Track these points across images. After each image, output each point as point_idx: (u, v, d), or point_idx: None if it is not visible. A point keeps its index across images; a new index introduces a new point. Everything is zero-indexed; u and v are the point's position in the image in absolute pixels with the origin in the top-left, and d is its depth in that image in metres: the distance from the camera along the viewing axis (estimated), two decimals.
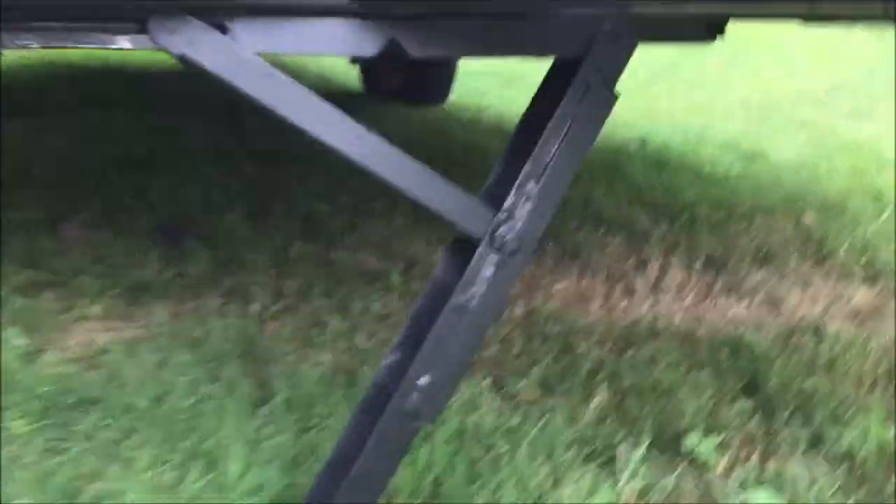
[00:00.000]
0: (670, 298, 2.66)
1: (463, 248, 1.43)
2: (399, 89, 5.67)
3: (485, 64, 7.04)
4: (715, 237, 3.29)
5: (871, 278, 2.95)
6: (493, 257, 1.38)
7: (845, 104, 6.17)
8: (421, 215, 3.47)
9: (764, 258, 3.07)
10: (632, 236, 3.26)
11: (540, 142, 1.37)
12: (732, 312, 2.60)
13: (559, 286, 2.75)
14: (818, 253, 3.16)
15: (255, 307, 2.55)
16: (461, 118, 5.54)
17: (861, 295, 2.76)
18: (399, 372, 1.44)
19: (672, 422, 1.96)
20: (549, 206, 1.39)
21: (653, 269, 2.89)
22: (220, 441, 1.83)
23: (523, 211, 1.38)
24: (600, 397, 2.05)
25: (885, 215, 3.61)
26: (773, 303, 2.72)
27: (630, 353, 2.29)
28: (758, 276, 2.89)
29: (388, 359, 1.47)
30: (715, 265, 3.01)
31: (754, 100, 6.39)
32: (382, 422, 1.41)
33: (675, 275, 2.87)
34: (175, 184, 3.61)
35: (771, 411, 2.05)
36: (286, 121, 1.21)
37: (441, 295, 1.44)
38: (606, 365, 2.21)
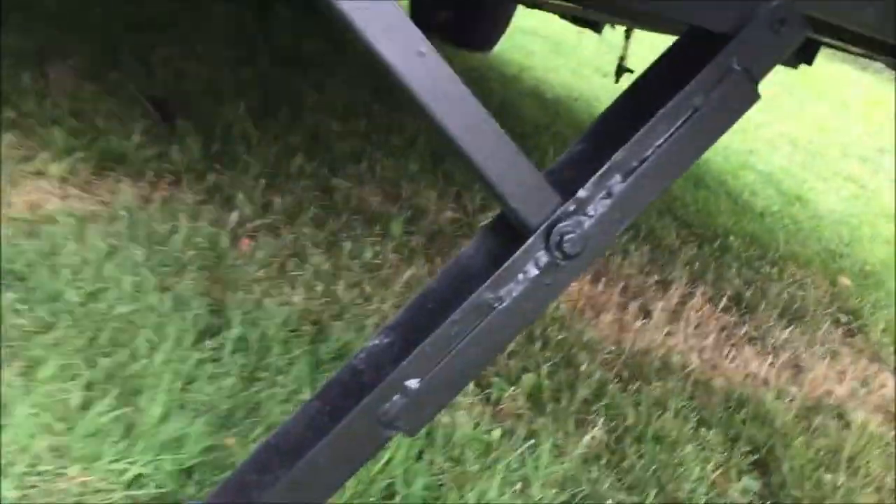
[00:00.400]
0: (689, 333, 2.36)
1: (507, 232, 1.10)
2: (447, 26, 5.27)
3: (538, 23, 6.67)
4: (744, 276, 2.98)
5: None
6: (544, 256, 1.06)
7: (892, 170, 5.86)
8: (439, 163, 3.18)
9: (794, 315, 2.77)
10: (657, 250, 2.95)
11: (644, 128, 1.04)
12: (754, 368, 2.31)
13: (571, 287, 2.44)
14: (850, 325, 2.87)
15: (233, 216, 2.22)
16: (502, 72, 5.18)
17: (892, 385, 2.47)
18: (384, 362, 1.12)
19: (669, 485, 1.67)
20: (632, 209, 1.06)
21: (675, 293, 2.59)
22: (147, 368, 1.52)
23: (598, 208, 1.06)
24: (595, 432, 1.75)
25: None
26: (798, 368, 2.43)
27: (636, 385, 1.99)
28: (785, 333, 2.59)
29: (375, 341, 1.15)
30: (741, 307, 2.72)
31: (802, 139, 6.06)
32: (349, 419, 1.10)
33: (698, 306, 2.57)
34: (182, 56, 3.24)
35: (779, 499, 1.77)
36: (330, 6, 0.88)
37: (464, 282, 1.12)
38: (608, 393, 1.91)
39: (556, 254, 1.06)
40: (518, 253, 1.06)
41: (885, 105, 7.87)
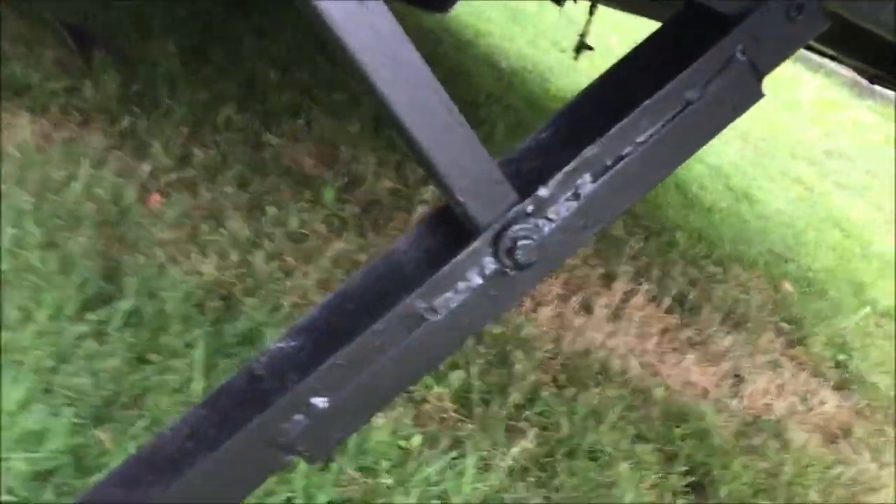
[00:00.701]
0: (632, 335, 2.22)
1: (451, 229, 0.92)
2: None
3: None
4: (689, 275, 2.86)
5: (843, 385, 2.58)
6: (491, 263, 0.88)
7: (841, 173, 5.84)
8: (383, 127, 2.96)
9: (737, 320, 2.66)
10: (603, 240, 2.80)
11: (624, 121, 0.86)
12: (695, 377, 2.18)
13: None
14: (792, 335, 2.77)
15: (145, 167, 1.98)
16: (457, 37, 4.95)
17: (832, 403, 2.38)
18: (289, 370, 0.93)
19: None
20: (601, 216, 0.89)
21: (618, 289, 2.44)
22: (16, 338, 1.29)
23: (561, 211, 0.88)
24: (525, 443, 1.59)
25: (862, 312, 3.25)
26: (739, 379, 2.32)
27: (572, 392, 1.84)
28: (727, 339, 2.48)
29: (280, 343, 0.96)
30: (684, 308, 2.59)
31: (753, 135, 5.99)
32: (240, 437, 0.91)
33: (642, 305, 2.43)
34: None
35: None
36: None
37: (393, 283, 0.93)
38: (542, 399, 1.76)
39: (506, 262, 0.88)
40: (460, 256, 0.87)
41: (835, 107, 7.87)
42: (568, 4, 4.15)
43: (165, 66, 2.54)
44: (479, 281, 0.89)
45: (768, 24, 0.86)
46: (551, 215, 0.88)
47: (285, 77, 2.91)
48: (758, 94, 0.88)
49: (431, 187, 2.55)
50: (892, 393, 2.62)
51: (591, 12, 3.74)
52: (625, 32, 7.29)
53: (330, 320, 0.96)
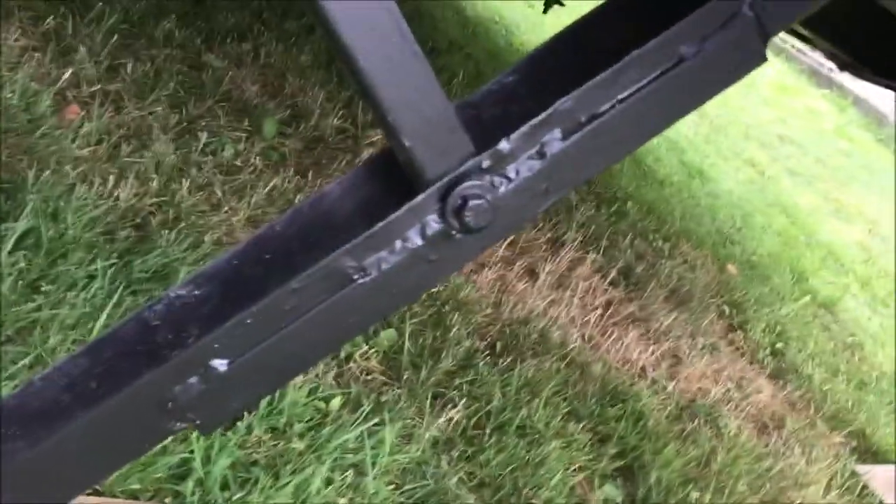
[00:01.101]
0: (574, 305, 2.13)
1: (392, 178, 0.79)
2: None
3: None
4: (637, 248, 2.78)
5: (778, 374, 2.54)
6: (435, 222, 0.75)
7: (792, 159, 5.85)
8: (336, 65, 2.79)
9: (680, 299, 2.60)
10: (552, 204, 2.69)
11: (606, 73, 0.74)
12: (634, 355, 2.10)
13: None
14: (733, 319, 2.72)
15: (68, 74, 1.79)
16: None
17: (766, 392, 2.34)
18: (189, 323, 0.80)
19: (526, 489, 1.43)
20: (566, 180, 0.76)
21: (565, 256, 2.34)
22: None
23: (522, 170, 0.75)
24: (454, 413, 1.49)
25: (802, 301, 3.23)
26: (677, 360, 2.25)
27: (508, 360, 1.74)
28: (669, 318, 2.41)
29: (181, 290, 0.82)
30: (629, 282, 2.51)
31: (709, 111, 5.94)
32: (124, 396, 0.77)
33: (587, 275, 2.34)
34: None
35: None
36: None
37: (320, 234, 0.80)
38: (476, 367, 1.65)
39: (453, 222, 0.75)
40: (400, 211, 0.74)
41: (791, 92, 7.88)
42: None
43: None
44: (419, 241, 0.76)
45: None
46: (510, 173, 0.75)
47: None
48: (761, 58, 0.76)
49: (381, 130, 2.40)
50: (826, 387, 2.59)
51: None
52: None
53: (242, 270, 0.82)
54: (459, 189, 0.74)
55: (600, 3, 0.83)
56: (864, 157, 6.76)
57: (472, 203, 0.74)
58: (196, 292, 0.82)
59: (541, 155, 0.75)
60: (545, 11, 3.78)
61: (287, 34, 2.70)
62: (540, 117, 0.74)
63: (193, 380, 0.77)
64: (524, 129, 0.74)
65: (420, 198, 0.74)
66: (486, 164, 0.74)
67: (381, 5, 0.67)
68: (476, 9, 4.85)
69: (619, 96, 0.75)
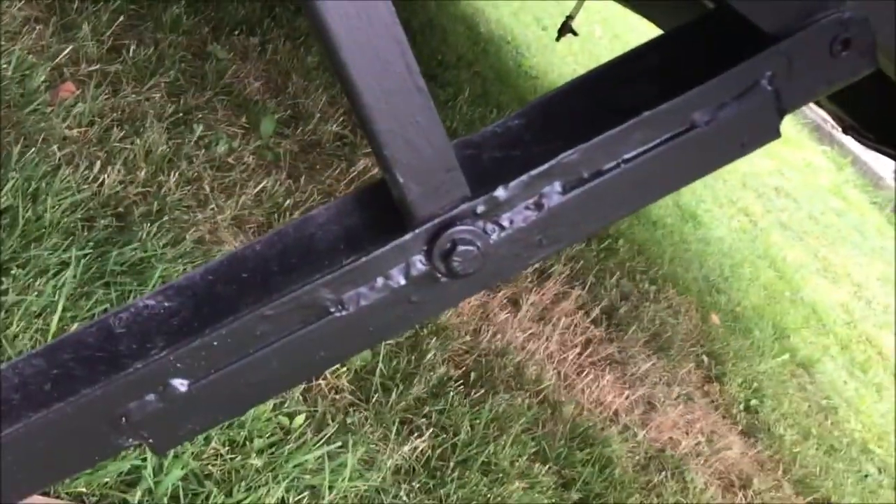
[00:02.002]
0: (554, 341, 2.10)
1: (381, 211, 0.76)
2: None
3: None
4: (623, 288, 2.76)
5: (750, 431, 2.52)
6: (421, 263, 0.72)
7: (784, 212, 5.86)
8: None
9: (660, 345, 2.57)
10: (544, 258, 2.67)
11: (614, 130, 0.71)
12: (608, 398, 2.08)
13: None
14: (711, 370, 2.70)
15: (68, 51, 1.76)
16: None
17: (736, 449, 2.31)
18: (154, 335, 0.77)
19: None
20: (562, 235, 0.74)
21: (550, 289, 2.32)
22: None
23: (516, 219, 0.72)
24: (419, 442, 1.46)
25: (780, 359, 3.22)
26: (651, 407, 2.23)
27: (481, 391, 1.71)
28: (647, 364, 2.39)
29: (150, 300, 0.79)
30: (611, 322, 2.49)
31: None
32: (77, 402, 0.74)
33: (570, 310, 2.31)
34: None
35: None
36: None
37: (300, 259, 0.77)
38: (447, 396, 1.62)
39: (439, 265, 0.72)
40: (386, 248, 0.71)
41: (792, 145, 7.90)
42: None
43: None
44: (401, 281, 0.73)
45: (807, 52, 0.72)
46: (504, 222, 0.73)
47: None
48: (774, 133, 0.74)
49: None
50: (797, 449, 2.57)
51: None
52: (610, 26, 7.16)
53: (216, 287, 0.79)
54: (450, 232, 0.71)
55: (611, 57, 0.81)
56: (857, 217, 6.79)
57: (461, 248, 0.71)
58: (166, 304, 0.79)
59: (538, 206, 0.73)
60: (557, 39, 3.77)
61: (297, 32, 2.67)
62: (541, 168, 0.71)
63: (151, 397, 0.74)
64: (524, 177, 0.71)
65: (408, 236, 0.71)
66: (480, 209, 0.71)
67: (390, 35, 0.64)
68: (489, 26, 4.84)
69: (626, 156, 0.72)
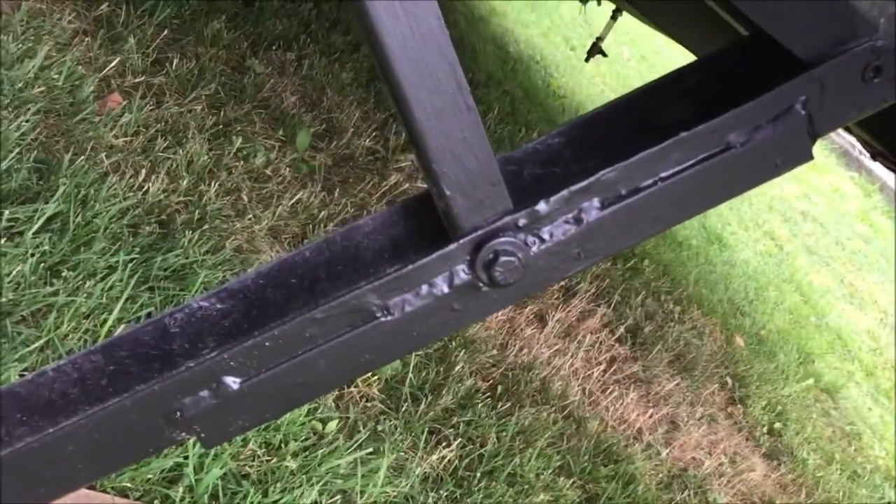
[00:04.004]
0: (579, 358, 2.12)
1: (426, 222, 0.79)
2: None
3: None
4: (648, 307, 2.77)
5: (773, 454, 2.52)
6: (464, 273, 0.75)
7: (811, 237, 5.83)
8: (376, 80, 2.81)
9: (685, 366, 2.58)
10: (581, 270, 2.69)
11: (652, 149, 0.74)
12: (632, 416, 2.09)
13: None
14: (735, 392, 2.71)
15: (113, 61, 1.82)
16: (471, 10, 4.79)
17: (759, 471, 2.32)
18: (207, 335, 0.81)
19: None
20: (599, 248, 0.77)
21: (576, 306, 2.34)
22: None
23: (556, 233, 0.76)
24: (447, 451, 1.49)
25: (805, 384, 3.21)
26: (674, 426, 2.24)
27: (507, 404, 1.73)
28: (671, 383, 2.40)
29: (203, 301, 0.83)
30: (636, 341, 2.50)
31: None
32: (132, 397, 0.78)
33: (595, 328, 2.34)
34: None
35: None
36: None
37: (347, 266, 0.81)
38: (475, 408, 1.65)
39: (481, 275, 0.75)
40: (431, 257, 0.75)
41: (820, 170, 7.88)
42: (590, 4, 4.02)
43: None
44: (445, 289, 0.76)
45: (840, 79, 0.75)
46: (544, 234, 0.76)
47: (287, 4, 2.74)
48: (807, 156, 0.77)
49: (412, 156, 2.42)
50: (819, 473, 2.57)
51: (615, 18, 3.62)
52: (638, 48, 7.19)
53: (266, 291, 0.83)
54: (493, 243, 0.74)
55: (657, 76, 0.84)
56: (884, 244, 6.74)
57: (502, 259, 0.74)
58: (218, 306, 0.83)
59: (577, 220, 0.76)
60: (587, 60, 3.81)
61: (332, 48, 2.73)
62: (581, 184, 0.75)
63: (204, 393, 0.78)
64: (564, 192, 0.75)
65: (452, 246, 0.74)
66: (521, 222, 0.75)
67: (443, 57, 0.68)
68: (518, 46, 4.89)
69: (663, 174, 0.75)
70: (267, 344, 0.76)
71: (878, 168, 7.73)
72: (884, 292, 5.44)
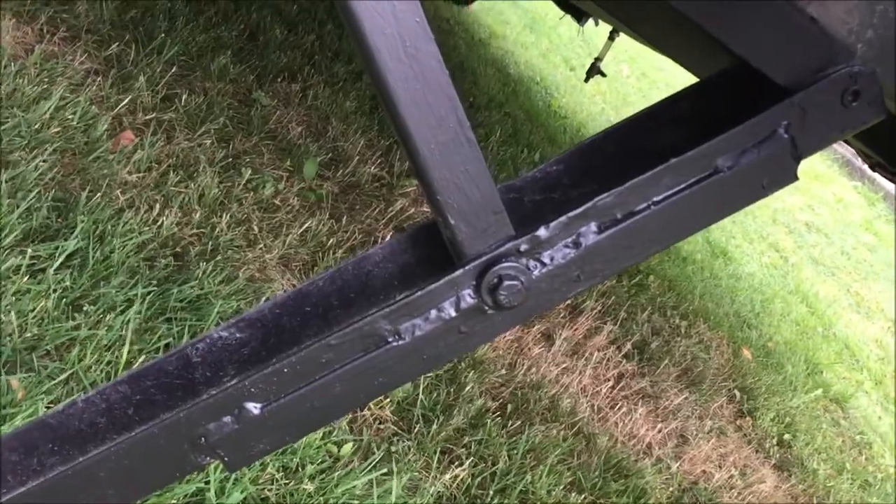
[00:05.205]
0: (587, 375, 2.15)
1: (432, 249, 0.84)
2: None
3: None
4: (654, 323, 2.80)
5: (783, 465, 2.54)
6: (470, 297, 0.80)
7: (815, 248, 5.86)
8: (379, 109, 2.87)
9: (692, 380, 2.61)
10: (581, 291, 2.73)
11: (645, 175, 0.79)
12: (641, 431, 2.12)
13: None
14: (743, 405, 2.73)
15: (126, 101, 1.87)
16: (470, 34, 4.86)
17: (769, 483, 2.34)
18: (227, 364, 0.85)
19: None
20: (598, 271, 0.81)
21: (582, 324, 2.38)
22: None
23: (556, 257, 0.80)
24: (460, 470, 1.52)
25: (813, 395, 3.23)
26: (683, 440, 2.27)
27: (517, 423, 1.76)
28: (679, 398, 2.42)
29: (223, 332, 0.87)
30: (643, 357, 2.53)
31: None
32: (158, 425, 0.82)
33: (602, 345, 2.37)
34: None
35: None
36: None
37: (359, 294, 0.85)
38: (485, 427, 1.68)
39: (487, 298, 0.80)
40: (439, 283, 0.79)
41: (823, 180, 7.92)
42: (588, 25, 4.08)
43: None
44: (452, 313, 0.80)
45: (820, 103, 0.79)
46: (545, 259, 0.80)
47: (290, 36, 2.81)
48: (791, 177, 0.81)
49: (416, 182, 2.47)
50: (830, 483, 2.59)
51: (612, 38, 3.68)
52: (637, 66, 7.26)
53: (283, 319, 0.87)
54: (496, 268, 0.79)
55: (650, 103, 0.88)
56: (889, 253, 6.75)
57: (506, 283, 0.78)
58: (238, 335, 0.88)
59: (576, 244, 0.80)
60: (586, 80, 3.86)
61: (335, 78, 2.79)
62: (579, 210, 0.79)
63: (227, 419, 0.82)
64: (563, 218, 0.79)
65: (458, 272, 0.79)
66: (523, 247, 0.79)
67: (444, 94, 0.73)
68: (518, 68, 4.95)
69: (656, 198, 0.80)
70: (285, 370, 0.81)
71: (880, 177, 7.76)
72: (890, 301, 5.45)
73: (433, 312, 0.80)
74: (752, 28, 0.77)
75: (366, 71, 0.72)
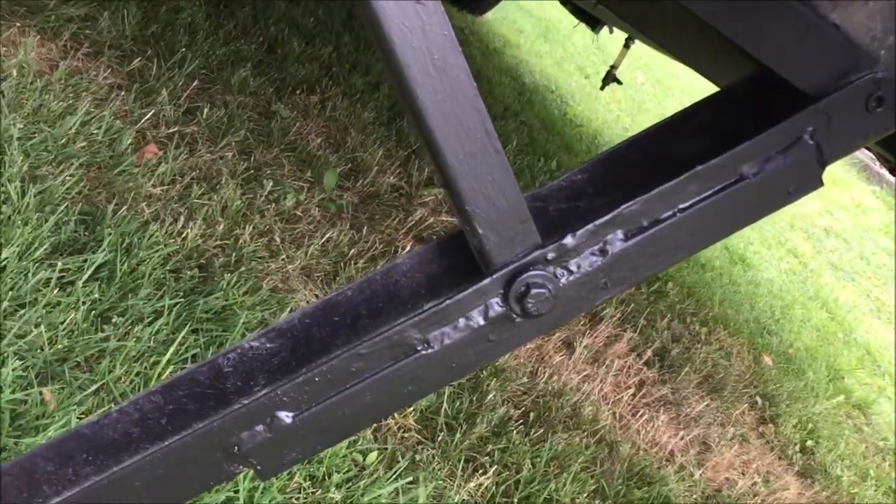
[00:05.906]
0: (608, 383, 2.15)
1: (460, 259, 0.84)
2: None
3: (534, 3, 6.40)
4: (674, 330, 2.80)
5: (806, 472, 2.53)
6: (498, 305, 0.81)
7: (834, 253, 5.82)
8: (397, 118, 2.88)
9: (713, 386, 2.60)
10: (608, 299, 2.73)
11: (671, 183, 0.79)
12: (663, 438, 2.12)
13: None
14: (765, 411, 2.72)
15: (149, 115, 1.90)
16: (485, 43, 4.88)
17: (793, 490, 2.33)
18: (258, 374, 0.86)
19: None
20: (625, 278, 0.82)
21: (602, 332, 2.38)
22: None
23: (583, 265, 0.81)
24: (484, 479, 1.52)
25: (835, 400, 3.21)
26: (706, 447, 2.26)
27: (540, 431, 1.77)
28: (701, 405, 2.42)
29: (254, 342, 0.88)
30: (664, 364, 2.53)
31: None
32: (191, 435, 0.83)
33: (623, 353, 2.37)
34: None
35: None
36: None
37: (387, 303, 0.86)
38: (508, 435, 1.69)
39: (514, 307, 0.80)
40: (467, 292, 0.80)
41: (841, 185, 7.87)
42: (602, 33, 4.09)
43: (189, 13, 2.45)
44: (480, 321, 0.81)
45: (845, 109, 0.80)
46: (572, 266, 0.81)
47: (308, 49, 2.83)
48: (817, 183, 0.82)
49: (435, 191, 2.48)
50: (854, 490, 2.57)
51: (627, 46, 3.68)
52: (652, 73, 7.25)
53: (312, 329, 0.88)
54: (524, 277, 0.79)
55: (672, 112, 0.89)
56: None
57: (534, 291, 0.79)
58: (268, 345, 0.89)
59: (602, 252, 0.81)
60: (602, 88, 3.87)
61: (353, 89, 2.81)
62: (605, 218, 0.80)
63: (260, 427, 0.83)
64: (589, 226, 0.80)
65: (486, 281, 0.80)
66: (550, 255, 0.80)
67: (472, 105, 0.74)
68: (533, 77, 4.96)
69: (681, 205, 0.80)
70: (317, 379, 0.82)
71: None
72: None
73: (462, 321, 0.81)
74: (776, 36, 0.77)
75: (394, 85, 0.73)
